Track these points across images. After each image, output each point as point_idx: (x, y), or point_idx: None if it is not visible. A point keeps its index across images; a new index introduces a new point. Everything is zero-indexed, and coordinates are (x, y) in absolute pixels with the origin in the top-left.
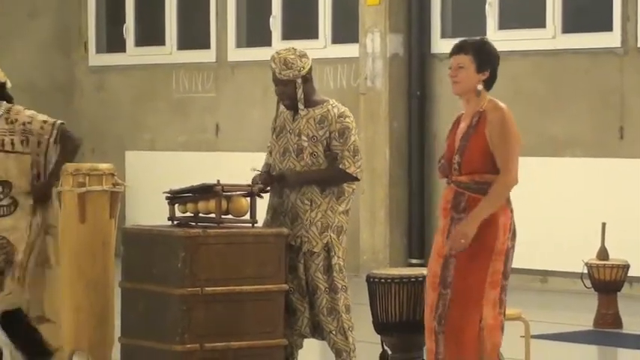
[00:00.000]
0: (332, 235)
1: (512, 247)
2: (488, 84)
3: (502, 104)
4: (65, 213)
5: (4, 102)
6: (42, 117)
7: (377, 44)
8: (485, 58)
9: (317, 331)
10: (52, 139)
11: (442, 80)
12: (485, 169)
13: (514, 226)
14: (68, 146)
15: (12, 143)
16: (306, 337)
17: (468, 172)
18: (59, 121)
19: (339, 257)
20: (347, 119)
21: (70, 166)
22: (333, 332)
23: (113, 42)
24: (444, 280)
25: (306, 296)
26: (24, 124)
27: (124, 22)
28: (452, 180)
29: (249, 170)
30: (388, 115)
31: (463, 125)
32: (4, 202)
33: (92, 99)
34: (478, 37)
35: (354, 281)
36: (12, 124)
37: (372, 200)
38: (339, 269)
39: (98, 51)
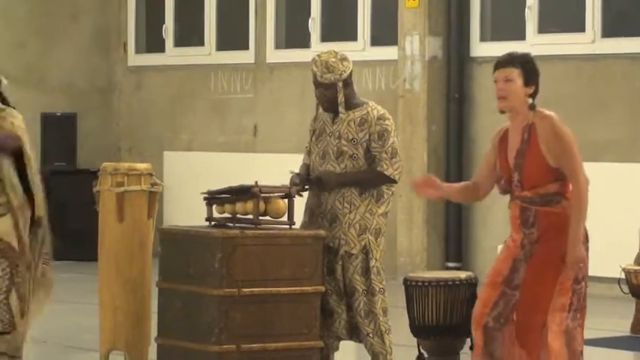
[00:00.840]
0: (370, 237)
1: (586, 250)
2: (534, 97)
3: (548, 112)
4: (103, 212)
5: None
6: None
7: (416, 47)
8: (533, 72)
9: (354, 333)
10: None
11: (480, 83)
12: (546, 180)
13: (586, 230)
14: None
15: None
16: (342, 339)
17: (531, 187)
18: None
19: (376, 259)
20: (386, 121)
21: (108, 166)
22: (370, 334)
23: (152, 42)
24: (509, 281)
25: (344, 298)
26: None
27: (164, 23)
28: (515, 196)
29: (286, 171)
30: (426, 118)
31: (514, 141)
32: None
33: (131, 99)
34: (522, 52)
35: (391, 284)
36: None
37: (409, 203)
38: (377, 271)
39: (137, 51)
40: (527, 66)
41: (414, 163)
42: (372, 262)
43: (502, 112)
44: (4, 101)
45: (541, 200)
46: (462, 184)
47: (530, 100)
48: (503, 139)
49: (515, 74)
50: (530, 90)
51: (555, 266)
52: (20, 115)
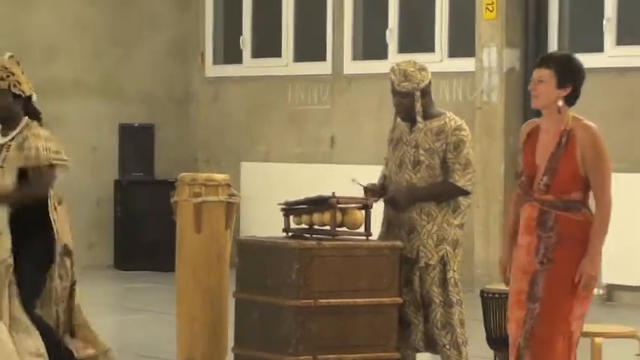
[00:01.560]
0: (448, 248)
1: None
2: (571, 100)
3: (589, 122)
4: (181, 223)
5: (27, 117)
6: (43, 143)
7: (493, 58)
8: (568, 74)
9: (430, 344)
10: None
11: None
12: (573, 188)
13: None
14: (33, 188)
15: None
16: (419, 350)
17: (557, 193)
18: (48, 159)
19: (454, 271)
20: (463, 132)
21: (186, 177)
22: (447, 346)
23: (230, 53)
24: (532, 296)
25: (421, 309)
26: (26, 138)
27: (241, 34)
28: (535, 198)
29: (360, 182)
30: (504, 130)
31: (546, 142)
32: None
33: (208, 110)
34: (565, 52)
35: (468, 296)
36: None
37: (486, 215)
38: (454, 283)
39: (215, 62)
40: (563, 67)
41: (491, 175)
42: (450, 274)
43: (536, 108)
44: (34, 115)
45: (563, 205)
46: (513, 205)
47: (560, 103)
48: (533, 135)
49: (548, 75)
50: (564, 92)
51: (575, 273)
52: (44, 131)
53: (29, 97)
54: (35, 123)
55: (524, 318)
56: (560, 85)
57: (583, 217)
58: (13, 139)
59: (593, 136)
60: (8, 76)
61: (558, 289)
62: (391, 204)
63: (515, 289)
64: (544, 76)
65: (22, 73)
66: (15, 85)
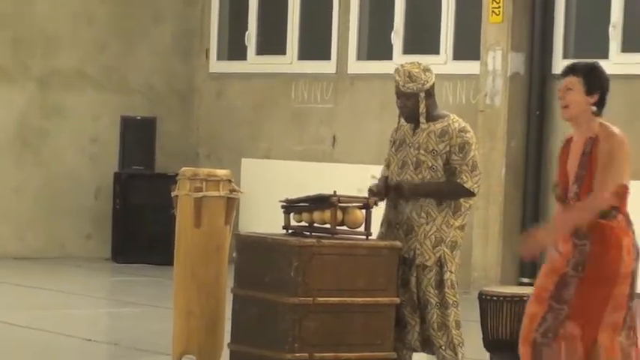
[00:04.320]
0: (445, 249)
1: (637, 268)
2: (599, 106)
3: (616, 129)
4: (181, 217)
5: None
6: None
7: (498, 62)
8: (596, 81)
9: (427, 345)
10: None
11: None
12: None
13: (637, 246)
14: None
15: None
16: (416, 351)
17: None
18: None
19: (451, 272)
20: (467, 134)
21: (187, 171)
22: (443, 347)
23: (234, 50)
24: (557, 297)
25: (417, 310)
26: None
27: (246, 30)
28: (571, 205)
29: (366, 181)
30: (506, 134)
31: (575, 150)
32: None
33: (211, 105)
34: (590, 61)
35: (465, 298)
36: None
37: (485, 217)
38: (451, 284)
39: (219, 58)
40: (590, 74)
41: (492, 178)
42: (447, 275)
43: (567, 120)
44: None
45: (598, 212)
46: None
47: (593, 109)
48: (566, 145)
49: (577, 83)
50: (593, 99)
51: (609, 281)
52: None
53: None
54: None
55: (541, 315)
56: (589, 92)
57: (617, 223)
58: None
59: (613, 143)
60: None
61: (591, 298)
62: (396, 190)
63: (539, 284)
64: (573, 83)
65: None
66: None
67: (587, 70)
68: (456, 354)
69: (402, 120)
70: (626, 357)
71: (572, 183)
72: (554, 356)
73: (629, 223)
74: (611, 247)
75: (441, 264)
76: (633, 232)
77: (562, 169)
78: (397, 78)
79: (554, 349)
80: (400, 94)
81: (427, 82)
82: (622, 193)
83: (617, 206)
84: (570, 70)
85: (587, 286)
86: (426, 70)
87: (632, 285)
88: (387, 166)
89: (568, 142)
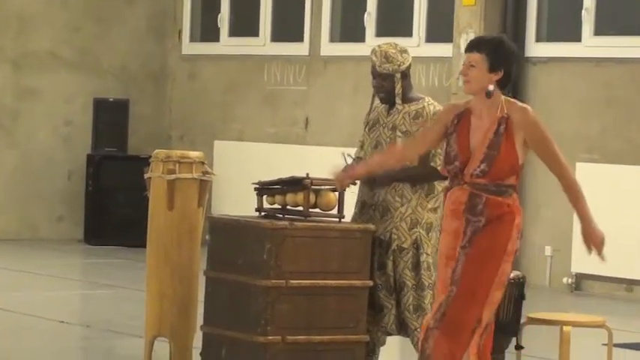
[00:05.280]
0: (421, 231)
1: (519, 248)
2: (503, 84)
3: (523, 104)
4: (154, 199)
5: None
6: None
7: None
8: (500, 58)
9: (402, 328)
10: None
11: (535, 83)
12: (509, 173)
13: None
14: None
15: None
16: (391, 334)
17: (492, 178)
18: None
19: (427, 254)
20: None
21: (160, 153)
22: (418, 329)
23: (207, 31)
24: (452, 279)
25: (394, 293)
26: None
27: (219, 12)
28: (466, 181)
29: (340, 158)
30: None
31: (481, 128)
32: None
33: (184, 87)
34: (496, 35)
35: None
36: None
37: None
38: (427, 267)
39: (192, 39)
40: (494, 51)
41: None
42: (423, 257)
43: (469, 94)
44: None
45: (496, 189)
46: (385, 154)
47: (491, 87)
48: (464, 119)
49: (480, 60)
50: (497, 76)
51: (497, 258)
52: None
53: None
54: None
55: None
56: (492, 69)
57: (512, 200)
58: None
59: (531, 115)
60: None
61: (477, 275)
62: (369, 181)
63: (441, 276)
64: (476, 60)
65: None
66: None
67: (491, 47)
68: None
69: (376, 101)
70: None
71: (478, 161)
72: (437, 340)
73: (518, 202)
74: (504, 223)
75: (417, 246)
76: (522, 212)
77: (463, 146)
78: (374, 58)
79: (441, 331)
80: (376, 75)
81: (403, 63)
82: (517, 172)
83: (514, 184)
84: (474, 47)
85: (474, 263)
86: (403, 51)
87: (513, 264)
88: (361, 146)
89: (465, 115)
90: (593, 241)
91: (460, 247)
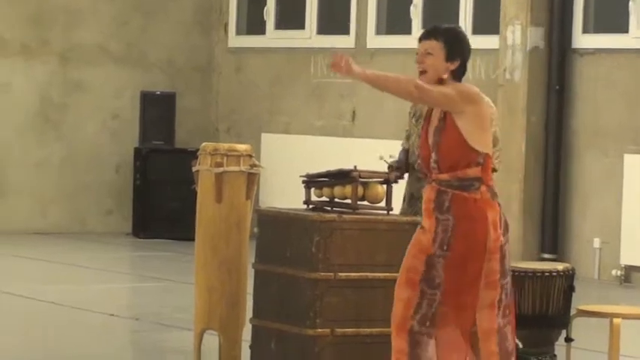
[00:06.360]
0: None
1: (507, 242)
2: (458, 75)
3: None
4: (202, 192)
5: None
6: None
7: (517, 37)
8: (457, 47)
9: None
10: None
11: (581, 75)
12: (465, 163)
13: (505, 219)
14: None
15: None
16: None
17: (449, 169)
18: None
19: None
20: (490, 110)
21: (208, 146)
22: None
23: (253, 24)
24: (428, 280)
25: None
26: None
27: (265, 5)
28: (432, 178)
29: (386, 159)
30: (526, 109)
31: (434, 118)
32: None
33: (230, 80)
34: (452, 25)
35: None
36: None
37: (506, 193)
38: None
39: (238, 32)
40: (452, 40)
41: (512, 153)
42: None
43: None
44: None
45: (459, 184)
46: (401, 80)
47: (445, 76)
48: (428, 115)
49: (437, 47)
50: (453, 66)
51: (477, 258)
52: None
53: None
54: None
55: (416, 301)
56: (449, 58)
57: (480, 195)
58: None
59: (461, 87)
60: None
61: (460, 277)
62: (415, 173)
63: (407, 265)
64: (433, 48)
65: None
66: None
67: (449, 36)
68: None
69: None
70: (503, 337)
71: (431, 152)
72: (432, 347)
73: (493, 194)
74: (476, 220)
75: None
76: (499, 205)
77: (423, 142)
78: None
79: (433, 339)
80: None
81: None
82: (485, 163)
83: (481, 177)
84: (431, 34)
85: (454, 266)
86: None
87: (503, 261)
88: (407, 138)
89: (430, 111)
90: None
91: (437, 246)
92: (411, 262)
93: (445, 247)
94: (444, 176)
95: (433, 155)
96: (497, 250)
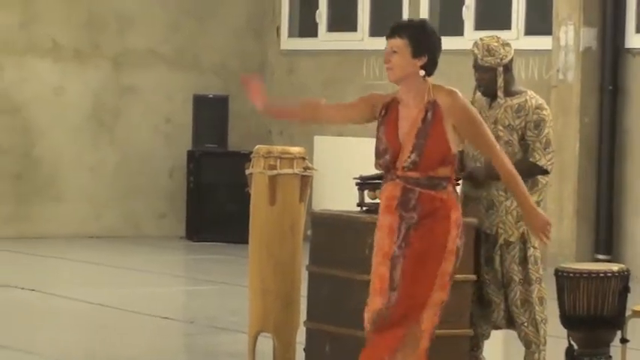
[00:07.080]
0: None
1: (462, 245)
2: (429, 70)
3: (449, 87)
4: (255, 195)
5: None
6: None
7: (570, 37)
8: (423, 43)
9: (511, 322)
10: None
11: (635, 75)
12: (439, 163)
13: (462, 222)
14: None
15: None
16: (501, 328)
17: (425, 169)
18: None
19: (535, 248)
20: (544, 111)
21: (261, 149)
22: (525, 324)
23: (305, 27)
24: (392, 284)
25: (502, 288)
26: None
27: (317, 8)
28: (398, 175)
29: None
30: (579, 109)
31: (409, 116)
32: None
33: (283, 82)
34: (417, 20)
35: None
36: None
37: (560, 194)
38: (535, 261)
39: (290, 35)
40: (417, 36)
41: (565, 154)
42: (530, 251)
43: (393, 82)
44: None
45: (428, 183)
46: (303, 105)
47: (422, 72)
48: (392, 109)
49: (402, 45)
50: (421, 62)
51: (436, 257)
52: None
53: None
54: None
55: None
56: (415, 54)
57: (447, 194)
58: None
59: (460, 98)
60: None
61: (416, 276)
62: (469, 179)
63: (378, 274)
64: (398, 45)
65: None
66: None
67: (413, 32)
68: (537, 330)
69: (478, 93)
70: (431, 338)
71: (408, 152)
72: (375, 342)
73: (457, 195)
74: (440, 220)
75: (524, 240)
76: (459, 207)
77: (391, 138)
78: (476, 51)
79: (379, 335)
80: (478, 68)
81: (506, 56)
82: (451, 162)
83: (449, 176)
84: (395, 32)
85: (412, 265)
86: (505, 44)
87: (455, 264)
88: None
89: (393, 105)
90: (537, 225)
91: (396, 246)
92: (380, 269)
93: (403, 245)
94: (414, 174)
95: (413, 156)
96: (453, 252)
